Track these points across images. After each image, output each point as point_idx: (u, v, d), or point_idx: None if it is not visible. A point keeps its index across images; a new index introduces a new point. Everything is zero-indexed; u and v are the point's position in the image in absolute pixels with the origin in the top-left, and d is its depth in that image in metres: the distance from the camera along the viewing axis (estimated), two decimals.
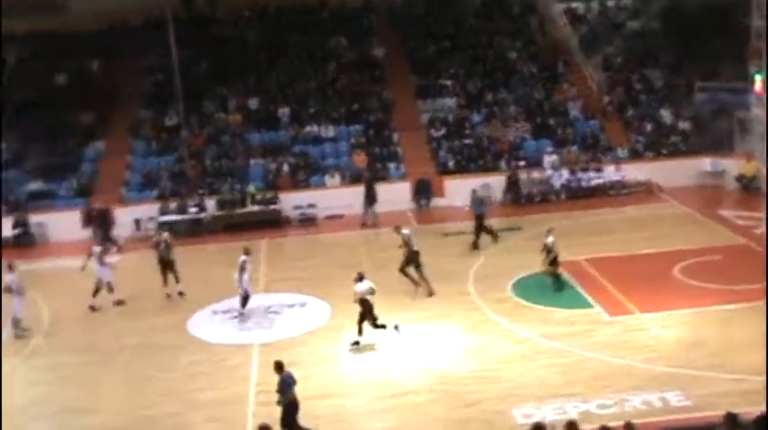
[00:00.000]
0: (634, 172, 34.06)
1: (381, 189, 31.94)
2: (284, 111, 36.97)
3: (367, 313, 20.53)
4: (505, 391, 17.59)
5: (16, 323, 22.95)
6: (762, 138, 31.93)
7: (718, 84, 36.65)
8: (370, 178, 32.56)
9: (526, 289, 23.50)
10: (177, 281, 25.34)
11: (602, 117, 36.88)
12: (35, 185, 34.28)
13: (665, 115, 36.67)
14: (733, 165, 33.80)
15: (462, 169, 34.59)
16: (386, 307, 21.72)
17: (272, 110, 37.25)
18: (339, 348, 20.64)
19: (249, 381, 19.19)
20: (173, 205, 32.68)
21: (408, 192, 33.76)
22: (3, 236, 31.59)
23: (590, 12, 44.03)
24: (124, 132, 36.82)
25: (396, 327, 20.75)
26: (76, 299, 24.84)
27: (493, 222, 28.90)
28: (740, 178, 33.13)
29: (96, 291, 24.54)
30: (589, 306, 22.09)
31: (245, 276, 22.80)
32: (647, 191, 33.52)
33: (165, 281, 25.29)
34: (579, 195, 33.42)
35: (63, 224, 32.67)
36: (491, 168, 34.52)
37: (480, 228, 27.73)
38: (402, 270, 23.91)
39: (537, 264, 23.90)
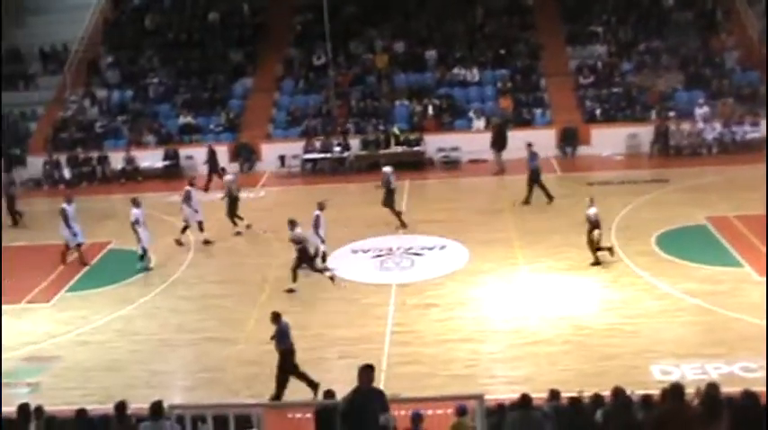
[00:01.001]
0: None
1: (525, 135, 31.37)
2: (431, 54, 36.69)
3: (305, 259, 21.15)
4: (643, 347, 17.14)
5: (142, 256, 23.69)
6: None
7: None
8: (500, 123, 32.01)
9: (671, 243, 22.75)
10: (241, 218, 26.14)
11: (761, 68, 35.13)
12: (185, 119, 35.22)
13: None
14: None
15: (610, 118, 33.68)
16: (530, 254, 21.53)
17: (418, 52, 37.03)
18: (476, 293, 20.57)
19: (386, 321, 19.36)
20: (317, 143, 33.07)
21: (553, 140, 33.12)
22: (153, 166, 32.61)
23: None
24: (272, 70, 37.31)
25: (332, 278, 21.39)
26: (219, 231, 25.50)
27: (640, 174, 28.06)
28: None
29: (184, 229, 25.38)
30: (737, 264, 21.20)
31: (321, 232, 22.43)
32: None
33: (237, 219, 26.01)
34: (732, 149, 32.04)
35: None
36: (639, 118, 33.46)
37: (534, 182, 26.92)
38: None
39: (683, 218, 23.11)
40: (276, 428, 13.15)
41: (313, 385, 16.11)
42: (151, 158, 33.02)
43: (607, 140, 31.76)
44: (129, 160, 33.54)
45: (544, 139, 32.26)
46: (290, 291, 21.28)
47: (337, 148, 32.81)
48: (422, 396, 14.47)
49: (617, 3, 38.29)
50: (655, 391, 12.55)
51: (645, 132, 32.57)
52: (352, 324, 19.38)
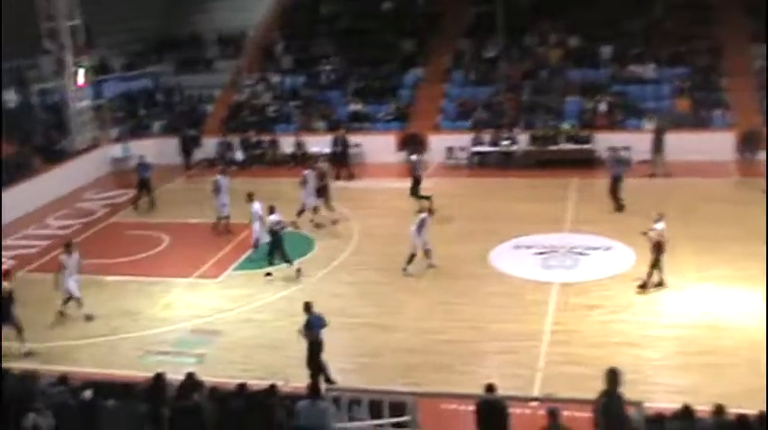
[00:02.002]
0: None
1: (702, 137, 30.25)
2: (606, 50, 35.80)
3: (278, 245, 22.11)
4: None
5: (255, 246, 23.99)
6: None
7: None
8: (662, 125, 30.82)
9: None
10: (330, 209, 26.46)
11: None
12: (355, 107, 35.64)
13: None
14: None
15: None
16: (699, 261, 20.77)
17: (593, 47, 36.22)
18: (641, 297, 19.94)
19: (546, 319, 19.05)
20: (485, 137, 32.83)
21: (732, 143, 31.72)
22: (321, 151, 33.13)
23: None
24: (443, 61, 37.27)
25: (298, 271, 22.25)
26: (385, 219, 25.72)
27: None
28: None
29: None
30: None
31: (425, 236, 22.17)
32: None
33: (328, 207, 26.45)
34: None
35: (378, 146, 33.91)
36: None
37: (614, 190, 26.23)
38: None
39: None
40: (430, 418, 13.09)
41: (328, 381, 16.12)
42: (320, 144, 33.56)
43: None
44: (299, 145, 34.22)
45: (722, 142, 30.96)
46: (268, 274, 22.19)
47: (505, 142, 32.49)
48: (578, 397, 14.13)
49: None
50: None
51: None
52: (512, 319, 19.16)
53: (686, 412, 11.56)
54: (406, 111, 35.30)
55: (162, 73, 39.26)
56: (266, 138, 35.20)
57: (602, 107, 33.28)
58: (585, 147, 31.88)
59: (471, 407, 12.73)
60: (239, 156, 34.79)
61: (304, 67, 38.29)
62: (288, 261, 22.39)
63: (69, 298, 20.67)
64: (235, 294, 21.64)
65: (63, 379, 13.86)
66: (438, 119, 34.85)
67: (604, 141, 31.81)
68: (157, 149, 35.35)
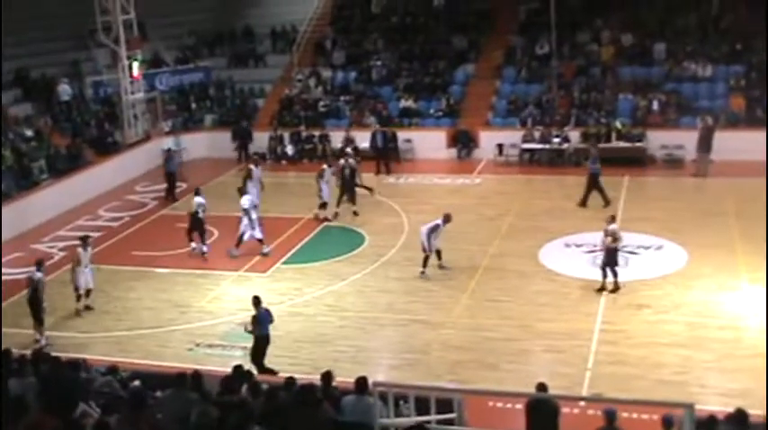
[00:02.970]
0: None
1: (756, 136, 29.68)
2: (659, 47, 35.34)
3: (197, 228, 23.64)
4: None
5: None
6: None
7: None
8: (710, 124, 30.29)
9: None
10: (353, 203, 26.78)
11: None
12: (406, 103, 35.59)
13: None
14: None
15: None
16: (754, 263, 20.45)
17: (646, 44, 35.76)
18: (692, 297, 19.70)
19: (595, 318, 18.90)
20: (536, 134, 32.60)
21: None
22: (363, 146, 33.15)
23: None
24: (495, 57, 37.07)
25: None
26: (434, 216, 25.61)
27: None
28: None
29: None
30: None
31: (436, 240, 21.94)
32: None
33: (353, 201, 26.79)
34: None
35: (428, 142, 33.86)
36: None
37: (593, 185, 26.36)
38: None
39: None
40: (477, 416, 13.02)
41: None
42: (371, 139, 33.51)
43: None
44: (349, 140, 34.25)
45: None
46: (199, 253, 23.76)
47: (556, 140, 32.24)
48: (626, 398, 14.00)
49: None
50: None
51: None
52: (560, 318, 19.04)
53: (740, 415, 11.30)
54: (457, 108, 35.18)
55: (214, 67, 39.53)
56: (317, 132, 35.29)
57: (655, 105, 32.89)
58: (637, 145, 31.54)
59: (519, 406, 12.66)
60: (290, 150, 34.92)
61: (355, 63, 38.31)
62: (204, 242, 23.85)
63: (89, 290, 21.01)
64: (283, 288, 21.73)
65: (113, 369, 14.01)
66: (488, 115, 34.68)
67: (657, 139, 31.55)
68: (209, 143, 35.71)
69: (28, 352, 14.86)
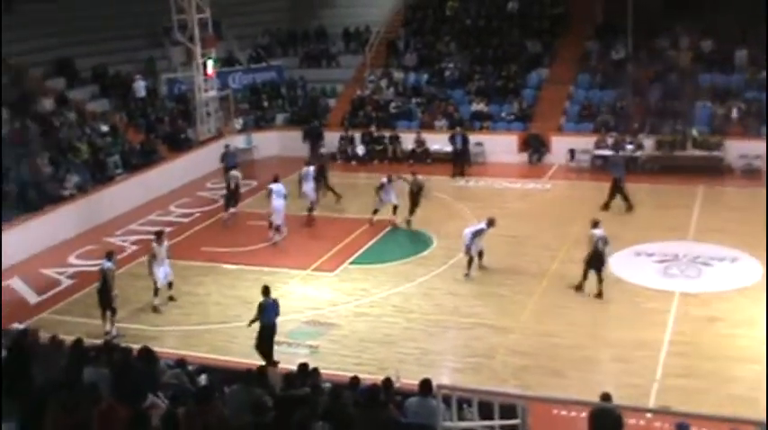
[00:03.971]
0: None
1: None
2: (741, 54, 34.61)
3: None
4: None
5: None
6: None
7: None
8: None
9: None
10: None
11: None
12: (477, 106, 35.40)
13: None
14: None
15: None
16: None
17: (726, 51, 35.04)
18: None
19: (665, 329, 18.54)
20: (609, 140, 32.15)
21: None
22: (442, 149, 33.01)
23: None
24: (569, 62, 36.68)
25: None
26: (504, 220, 25.46)
27: None
28: None
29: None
30: None
31: (480, 242, 21.99)
32: None
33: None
34: None
35: (499, 146, 33.64)
36: None
37: (616, 190, 26.50)
38: None
39: None
40: (541, 422, 12.86)
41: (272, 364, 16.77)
42: (441, 142, 33.43)
43: None
44: (420, 142, 34.21)
45: None
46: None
47: (630, 147, 31.75)
48: (695, 412, 13.67)
49: None
50: None
51: None
52: (629, 328, 18.72)
53: None
54: (529, 112, 34.89)
55: (287, 66, 39.80)
56: (387, 133, 35.30)
57: (735, 113, 32.20)
58: (714, 154, 30.87)
59: (584, 414, 12.48)
60: (360, 150, 34.99)
61: (428, 65, 38.23)
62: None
63: (170, 283, 21.40)
64: (350, 288, 21.77)
65: (181, 362, 14.15)
66: (561, 120, 34.33)
67: (736, 149, 30.82)
68: (280, 142, 35.96)
69: (99, 342, 15.10)
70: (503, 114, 35.09)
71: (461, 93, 36.50)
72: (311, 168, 27.46)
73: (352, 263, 23.49)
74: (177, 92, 36.04)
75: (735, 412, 14.04)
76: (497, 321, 19.42)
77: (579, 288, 20.54)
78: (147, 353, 13.28)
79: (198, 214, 28.84)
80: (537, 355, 17.72)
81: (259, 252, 24.62)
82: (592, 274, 20.35)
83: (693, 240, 23.76)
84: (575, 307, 19.89)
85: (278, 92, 38.90)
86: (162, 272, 21.03)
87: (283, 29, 41.85)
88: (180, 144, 33.88)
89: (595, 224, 20.71)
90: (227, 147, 31.86)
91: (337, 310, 20.42)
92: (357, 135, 35.44)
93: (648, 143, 31.83)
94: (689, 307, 19.60)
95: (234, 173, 28.07)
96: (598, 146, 32.13)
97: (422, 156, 33.77)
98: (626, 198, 26.71)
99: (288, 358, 17.32)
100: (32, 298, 22.42)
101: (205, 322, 20.12)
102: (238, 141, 35.23)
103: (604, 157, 31.61)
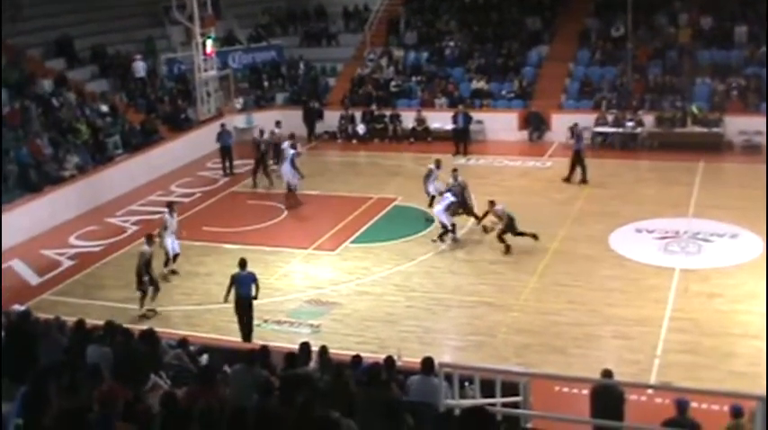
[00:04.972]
0: None
1: None
2: (740, 30, 34.49)
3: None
4: None
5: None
6: None
7: None
8: None
9: None
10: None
11: None
12: (477, 84, 35.34)
13: None
14: None
15: None
16: None
17: (726, 27, 34.93)
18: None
19: (665, 305, 18.59)
20: (609, 117, 32.11)
21: None
22: (443, 127, 32.97)
23: None
24: (569, 39, 36.57)
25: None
26: (504, 197, 25.44)
27: None
28: None
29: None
30: None
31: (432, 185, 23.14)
32: None
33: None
34: None
35: (500, 124, 33.61)
36: None
37: (576, 162, 27.32)
38: None
39: None
40: (542, 399, 12.92)
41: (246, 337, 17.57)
42: (442, 120, 33.40)
43: None
44: (420, 120, 34.16)
45: None
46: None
47: (630, 124, 31.72)
48: (696, 387, 13.75)
49: None
50: None
51: None
52: (629, 304, 18.78)
53: None
54: (529, 90, 34.81)
55: (287, 45, 39.67)
56: (388, 112, 35.24)
57: (734, 90, 32.13)
58: (714, 130, 30.86)
59: (585, 391, 12.53)
60: (361, 129, 34.94)
61: (428, 43, 38.12)
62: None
63: (176, 255, 21.68)
64: (351, 267, 21.82)
65: (183, 342, 14.18)
66: (561, 98, 34.27)
67: (735, 125, 30.80)
68: (281, 121, 35.87)
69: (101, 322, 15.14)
70: (503, 92, 35.02)
71: (461, 71, 36.41)
72: (292, 151, 27.36)
73: (353, 242, 23.52)
74: (177, 72, 35.93)
75: (735, 387, 14.18)
76: (498, 299, 19.47)
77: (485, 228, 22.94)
78: (150, 334, 13.32)
79: (199, 194, 28.84)
80: (538, 333, 17.78)
81: (259, 232, 24.64)
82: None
83: (694, 216, 23.78)
84: (576, 284, 19.93)
85: (278, 71, 38.80)
86: (170, 244, 21.39)
87: (283, 8, 41.74)
88: (180, 124, 33.83)
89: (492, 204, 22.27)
90: (222, 126, 31.80)
91: (339, 289, 20.46)
92: (357, 114, 35.37)
93: (648, 120, 31.80)
94: (689, 283, 19.63)
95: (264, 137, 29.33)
96: (598, 123, 32.08)
97: (422, 135, 33.72)
98: (584, 170, 27.27)
99: (290, 337, 17.38)
100: (33, 279, 22.45)
101: (207, 302, 20.15)
102: (239, 121, 35.18)
103: (604, 134, 31.64)
